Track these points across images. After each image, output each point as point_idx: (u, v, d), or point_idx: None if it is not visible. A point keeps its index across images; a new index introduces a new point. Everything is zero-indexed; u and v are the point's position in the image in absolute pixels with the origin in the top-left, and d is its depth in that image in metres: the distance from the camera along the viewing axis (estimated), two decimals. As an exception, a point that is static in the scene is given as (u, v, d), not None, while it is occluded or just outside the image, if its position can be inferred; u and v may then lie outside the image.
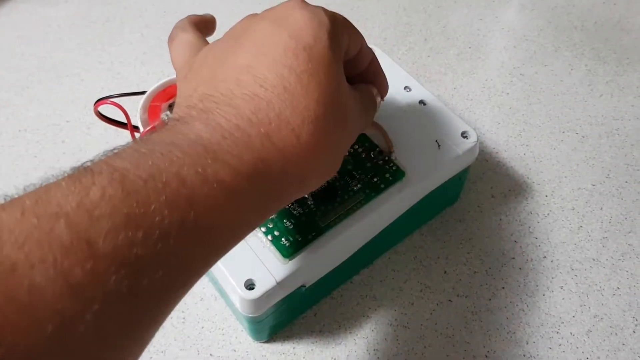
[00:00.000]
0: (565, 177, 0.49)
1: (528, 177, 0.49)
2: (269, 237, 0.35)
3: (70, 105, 0.54)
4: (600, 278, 0.43)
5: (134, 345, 0.21)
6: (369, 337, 0.40)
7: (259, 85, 0.25)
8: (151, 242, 0.20)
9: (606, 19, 0.62)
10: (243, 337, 0.40)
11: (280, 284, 0.34)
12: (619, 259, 0.44)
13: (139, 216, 0.20)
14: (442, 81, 0.56)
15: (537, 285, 0.43)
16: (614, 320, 0.41)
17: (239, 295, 0.34)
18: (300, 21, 0.27)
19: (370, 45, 0.33)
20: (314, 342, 0.40)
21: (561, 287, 0.43)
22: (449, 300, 0.42)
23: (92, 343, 0.19)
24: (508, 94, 0.55)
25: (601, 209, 0.47)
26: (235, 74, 0.26)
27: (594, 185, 0.49)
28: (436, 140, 0.40)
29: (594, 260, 0.44)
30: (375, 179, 0.38)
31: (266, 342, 0.40)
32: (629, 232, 0.46)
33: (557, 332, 0.41)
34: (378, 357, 0.40)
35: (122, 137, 0.49)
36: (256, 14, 0.29)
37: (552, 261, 0.44)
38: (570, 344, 0.40)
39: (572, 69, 0.57)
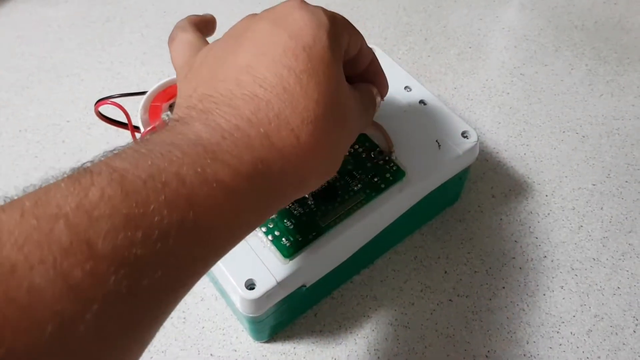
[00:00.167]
0: (566, 176, 0.49)
1: (528, 177, 0.49)
2: (270, 237, 0.35)
3: (70, 106, 0.54)
4: (600, 278, 0.43)
5: (134, 345, 0.21)
6: (370, 337, 0.40)
7: (258, 86, 0.25)
8: (150, 242, 0.20)
9: (606, 19, 0.62)
10: (244, 337, 0.40)
11: (280, 284, 0.34)
12: (620, 259, 0.44)
13: (138, 216, 0.20)
14: (442, 81, 0.56)
15: (537, 285, 0.43)
16: (615, 320, 0.41)
17: (240, 295, 0.34)
18: (299, 21, 0.27)
19: (370, 45, 0.33)
20: (315, 342, 0.40)
21: (561, 287, 0.43)
22: (450, 300, 0.42)
23: (92, 343, 0.19)
24: (508, 93, 0.55)
25: (601, 208, 0.47)
26: (235, 74, 0.26)
27: (594, 185, 0.48)
28: (436, 140, 0.40)
29: (594, 260, 0.44)
30: (375, 179, 0.38)
31: (267, 342, 0.40)
32: (630, 232, 0.46)
33: (558, 332, 0.41)
34: (378, 357, 0.40)
35: (123, 137, 0.49)
36: (256, 14, 0.29)
37: (552, 261, 0.44)
38: (571, 343, 0.40)
39: (572, 69, 0.57)
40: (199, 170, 0.22)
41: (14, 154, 0.51)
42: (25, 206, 0.19)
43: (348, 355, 0.40)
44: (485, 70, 0.57)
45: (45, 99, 0.55)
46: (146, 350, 0.22)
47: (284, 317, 0.39)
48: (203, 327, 0.41)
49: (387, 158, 0.39)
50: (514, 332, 0.41)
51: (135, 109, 0.40)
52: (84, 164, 0.21)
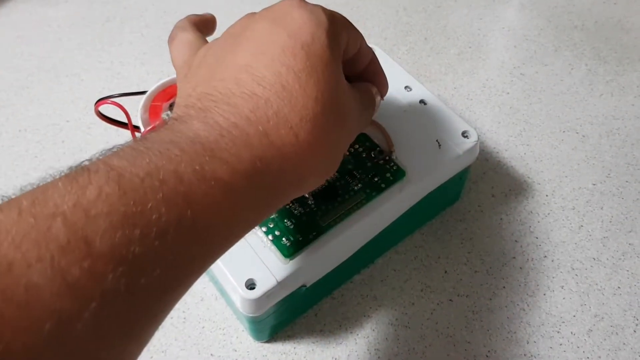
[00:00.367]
0: (566, 176, 0.49)
1: (528, 177, 0.49)
2: (270, 236, 0.35)
3: (70, 105, 0.54)
4: (600, 277, 0.43)
5: (133, 343, 0.21)
6: (370, 337, 0.40)
7: (257, 84, 0.25)
8: (149, 240, 0.20)
9: (606, 19, 0.62)
10: (244, 337, 0.40)
11: (280, 284, 0.34)
12: (620, 259, 0.44)
13: (136, 214, 0.20)
14: (442, 81, 0.56)
15: (537, 285, 0.43)
16: (615, 319, 0.41)
17: (240, 295, 0.34)
18: (298, 20, 0.27)
19: (370, 45, 0.33)
20: (315, 342, 0.40)
21: (562, 287, 0.43)
22: (450, 300, 0.42)
23: (90, 342, 0.19)
24: (508, 93, 0.55)
25: (602, 208, 0.47)
26: (234, 72, 0.26)
27: (594, 184, 0.48)
28: (437, 140, 0.40)
29: (594, 259, 0.44)
30: (375, 179, 0.38)
31: (267, 341, 0.40)
32: (630, 232, 0.46)
33: (558, 332, 0.41)
34: (379, 357, 0.40)
35: (123, 137, 0.49)
36: (255, 13, 0.29)
37: (552, 261, 0.44)
38: (571, 343, 0.40)
39: (572, 69, 0.57)
40: (197, 168, 0.22)
41: (14, 154, 0.51)
42: (22, 205, 0.19)
43: (348, 355, 0.40)
44: (485, 70, 0.57)
45: (45, 99, 0.55)
46: (146, 350, 0.22)
47: (284, 316, 0.39)
48: (203, 327, 0.41)
49: (387, 158, 0.39)
50: (515, 332, 0.41)
51: (135, 109, 0.40)
52: (82, 162, 0.21)
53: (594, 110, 0.54)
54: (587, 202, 0.47)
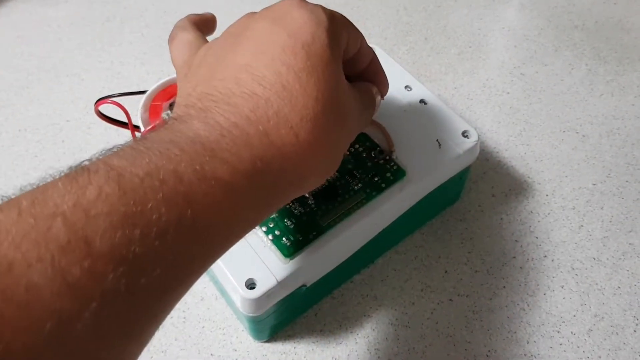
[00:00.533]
0: (566, 176, 0.49)
1: (529, 177, 0.49)
2: (270, 236, 0.35)
3: (70, 105, 0.54)
4: (601, 277, 0.43)
5: (133, 343, 0.21)
6: (370, 337, 0.40)
7: (257, 84, 0.25)
8: (149, 240, 0.20)
9: (606, 19, 0.62)
10: (244, 336, 0.40)
11: (281, 284, 0.34)
12: (620, 258, 0.44)
13: (136, 214, 0.20)
14: (442, 80, 0.56)
15: (537, 285, 0.43)
16: (615, 319, 0.41)
17: (240, 295, 0.34)
18: (298, 19, 0.27)
19: (370, 45, 0.33)
20: (315, 342, 0.40)
21: (562, 287, 0.43)
22: (450, 300, 0.42)
23: (90, 342, 0.19)
24: (508, 93, 0.55)
25: (602, 208, 0.47)
26: (234, 72, 0.26)
27: (594, 184, 0.48)
28: (437, 140, 0.40)
29: (594, 259, 0.44)
30: (376, 179, 0.38)
31: (267, 341, 0.40)
32: (630, 232, 0.46)
33: (558, 332, 0.41)
34: (379, 357, 0.40)
35: (123, 137, 0.49)
36: (255, 13, 0.29)
37: (552, 260, 0.44)
38: (571, 343, 0.40)
39: (572, 69, 0.57)
40: (198, 167, 0.22)
41: (14, 154, 0.51)
42: (22, 205, 0.19)
43: (348, 355, 0.40)
44: (485, 70, 0.57)
45: (45, 98, 0.55)
46: (146, 350, 0.22)
47: (284, 316, 0.39)
48: (203, 327, 0.41)
49: (387, 157, 0.39)
50: (515, 332, 0.41)
51: (136, 109, 0.40)
52: (82, 162, 0.21)
53: (594, 110, 0.54)
54: (587, 202, 0.47)
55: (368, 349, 0.40)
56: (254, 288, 0.34)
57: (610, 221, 0.46)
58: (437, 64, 0.58)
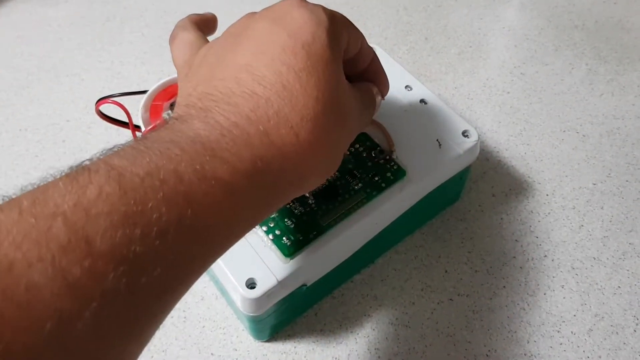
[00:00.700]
0: (566, 176, 0.49)
1: (529, 176, 0.49)
2: (270, 236, 0.35)
3: (70, 105, 0.54)
4: (601, 277, 0.43)
5: (134, 343, 0.21)
6: (370, 337, 0.40)
7: (257, 84, 0.25)
8: (149, 239, 0.20)
9: (606, 18, 0.62)
10: (244, 336, 0.40)
11: (281, 283, 0.34)
12: (620, 258, 0.44)
13: (137, 214, 0.20)
14: (442, 80, 0.56)
15: (538, 284, 0.43)
16: (615, 319, 0.41)
17: (240, 294, 0.34)
18: (299, 19, 0.27)
19: (370, 44, 0.33)
20: (315, 342, 0.40)
21: (562, 286, 0.43)
22: (450, 300, 0.42)
23: (90, 341, 0.19)
24: (509, 93, 0.55)
25: (602, 208, 0.47)
26: (235, 72, 0.26)
27: (594, 184, 0.48)
28: (437, 139, 0.40)
29: (594, 259, 0.44)
30: (376, 178, 0.38)
31: (267, 341, 0.40)
32: (630, 231, 0.46)
33: (558, 331, 0.41)
34: (379, 357, 0.40)
35: (123, 136, 0.49)
36: (255, 13, 0.29)
37: (553, 260, 0.44)
38: (572, 343, 0.40)
39: (572, 68, 0.57)
40: (198, 167, 0.22)
41: (14, 154, 0.51)
42: (23, 205, 0.19)
43: (349, 355, 0.40)
44: (485, 70, 0.57)
45: (46, 98, 0.55)
46: (146, 349, 0.22)
47: (284, 316, 0.39)
48: (203, 327, 0.41)
49: (387, 157, 0.39)
50: (515, 332, 0.41)
51: (136, 109, 0.40)
52: (82, 162, 0.21)
53: (595, 110, 0.54)
54: (587, 201, 0.47)
55: (368, 349, 0.40)
56: (254, 288, 0.34)
57: (611, 221, 0.46)
58: (437, 64, 0.58)
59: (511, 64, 0.58)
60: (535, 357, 0.40)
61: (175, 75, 0.33)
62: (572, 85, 0.56)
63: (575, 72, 0.57)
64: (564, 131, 0.52)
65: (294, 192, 0.27)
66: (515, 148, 0.51)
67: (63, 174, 0.21)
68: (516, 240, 0.45)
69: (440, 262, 0.44)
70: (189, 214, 0.21)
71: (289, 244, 0.35)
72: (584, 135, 0.52)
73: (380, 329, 0.41)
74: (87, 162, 0.21)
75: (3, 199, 0.20)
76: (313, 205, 0.37)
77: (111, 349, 0.20)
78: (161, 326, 0.23)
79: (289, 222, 0.36)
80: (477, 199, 0.47)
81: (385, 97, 0.36)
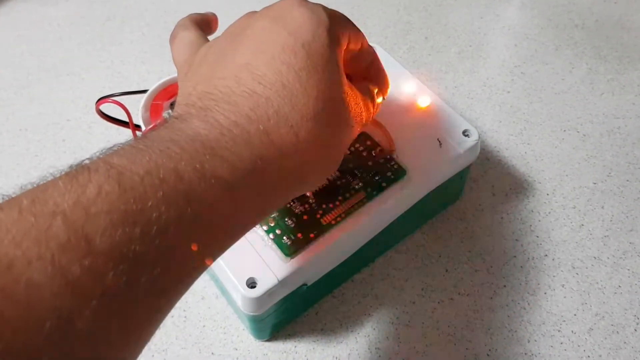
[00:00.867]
0: (567, 175, 0.49)
1: (529, 176, 0.49)
2: (271, 235, 0.35)
3: (70, 105, 0.54)
4: (601, 276, 0.43)
5: (133, 342, 0.21)
6: (371, 336, 0.40)
7: (257, 83, 0.25)
8: (149, 238, 0.20)
9: (607, 17, 0.62)
10: (244, 335, 0.40)
11: (281, 283, 0.34)
12: (621, 257, 0.44)
13: (136, 212, 0.20)
14: (443, 79, 0.56)
15: (538, 284, 0.43)
16: (616, 318, 0.41)
17: (241, 294, 0.34)
18: (299, 19, 0.27)
19: (371, 44, 0.33)
20: (316, 341, 0.40)
21: (562, 286, 0.43)
22: (451, 299, 0.42)
23: (90, 340, 0.19)
24: (509, 92, 0.55)
25: (602, 207, 0.47)
26: (234, 71, 0.26)
27: (595, 183, 0.48)
28: (437, 139, 0.40)
29: (595, 258, 0.44)
30: (376, 178, 0.38)
31: (268, 340, 0.40)
32: (631, 231, 0.46)
33: (559, 331, 0.41)
34: (379, 356, 0.40)
35: (124, 136, 0.49)
36: (255, 12, 0.29)
37: (553, 259, 0.44)
38: (572, 342, 0.40)
39: (573, 68, 0.57)
40: (197, 166, 0.22)
41: (15, 153, 0.51)
42: (22, 204, 0.19)
43: (349, 354, 0.40)
44: (485, 69, 0.57)
45: (46, 98, 0.55)
46: (147, 349, 0.22)
47: (285, 315, 0.39)
48: (204, 326, 0.41)
49: (388, 157, 0.39)
50: (515, 331, 0.41)
51: (136, 108, 0.40)
52: (82, 161, 0.21)
53: (595, 109, 0.54)
54: (587, 201, 0.47)
55: (369, 348, 0.40)
56: (254, 287, 0.34)
57: (611, 220, 0.46)
58: (437, 63, 0.58)
59: (511, 63, 0.58)
60: (535, 356, 0.40)
61: (176, 74, 0.33)
62: (572, 85, 0.56)
63: (575, 72, 0.57)
64: (565, 130, 0.52)
65: (294, 191, 0.27)
66: (515, 147, 0.51)
67: (63, 173, 0.21)
68: (516, 239, 0.45)
69: (440, 262, 0.44)
70: (188, 213, 0.21)
71: (289, 243, 0.35)
72: (584, 135, 0.52)
73: (381, 328, 0.41)
74: (87, 161, 0.21)
75: (3, 198, 0.20)
76: (313, 204, 0.37)
77: (111, 347, 0.20)
78: (162, 325, 0.23)
79: (289, 221, 0.36)
80: (477, 198, 0.47)
81: (386, 97, 0.36)
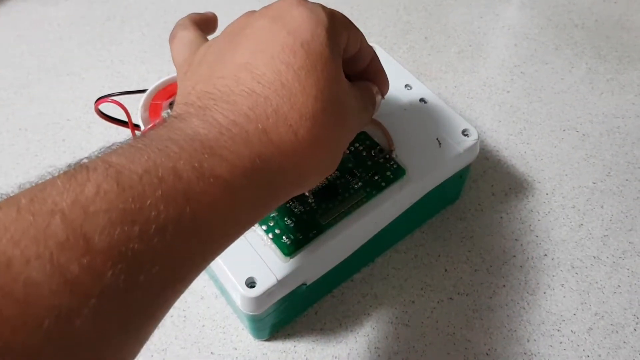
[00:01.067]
0: (566, 175, 0.49)
1: (529, 175, 0.49)
2: (270, 235, 0.35)
3: (70, 104, 0.54)
4: (601, 276, 0.43)
5: (132, 341, 0.21)
6: (370, 335, 0.40)
7: (256, 82, 0.25)
8: (147, 237, 0.20)
9: (606, 17, 0.62)
10: (244, 335, 0.40)
11: (281, 282, 0.34)
12: (620, 257, 0.44)
13: (135, 211, 0.20)
14: (442, 79, 0.56)
15: (538, 283, 0.43)
16: (615, 318, 0.41)
17: (240, 293, 0.34)
18: (298, 18, 0.27)
19: (370, 43, 0.33)
20: (315, 340, 0.40)
21: (562, 285, 0.43)
22: (450, 299, 0.42)
23: (89, 338, 0.19)
24: (509, 92, 0.55)
25: (602, 207, 0.47)
26: (234, 71, 0.26)
27: (594, 183, 0.48)
28: (437, 138, 0.40)
29: (594, 258, 0.44)
30: (376, 177, 0.38)
31: (267, 340, 0.40)
32: (630, 230, 0.46)
33: (558, 330, 0.41)
34: (379, 355, 0.40)
35: (123, 135, 0.49)
36: (254, 11, 0.29)
37: (552, 259, 0.44)
38: (571, 342, 0.40)
39: (572, 67, 0.57)
40: (196, 165, 0.22)
41: (14, 153, 0.51)
42: (21, 203, 0.19)
43: (348, 354, 0.40)
44: (485, 69, 0.57)
45: (46, 97, 0.55)
46: (146, 349, 0.22)
47: (284, 315, 0.39)
48: (203, 326, 0.41)
49: (387, 156, 0.39)
50: (515, 331, 0.41)
51: (136, 108, 0.40)
52: (81, 160, 0.21)
53: (595, 109, 0.54)
54: (587, 200, 0.47)
55: (368, 348, 0.40)
56: (254, 287, 0.34)
57: (611, 220, 0.46)
58: (437, 63, 0.58)
59: (511, 63, 0.58)
60: (535, 355, 0.40)
61: (175, 74, 0.33)
62: (572, 84, 0.56)
63: (575, 71, 0.57)
64: (564, 130, 0.52)
65: (293, 191, 0.27)
66: (515, 147, 0.51)
67: (61, 172, 0.21)
68: (516, 239, 0.45)
69: (440, 261, 0.44)
70: (187, 212, 0.21)
71: (288, 243, 0.35)
72: (583, 134, 0.52)
73: (380, 327, 0.41)
74: (85, 161, 0.21)
75: (1, 197, 0.20)
76: (313, 204, 0.37)
77: (109, 346, 0.20)
78: (161, 325, 0.23)
79: (288, 221, 0.36)
80: (476, 197, 0.47)
81: (385, 96, 0.36)
